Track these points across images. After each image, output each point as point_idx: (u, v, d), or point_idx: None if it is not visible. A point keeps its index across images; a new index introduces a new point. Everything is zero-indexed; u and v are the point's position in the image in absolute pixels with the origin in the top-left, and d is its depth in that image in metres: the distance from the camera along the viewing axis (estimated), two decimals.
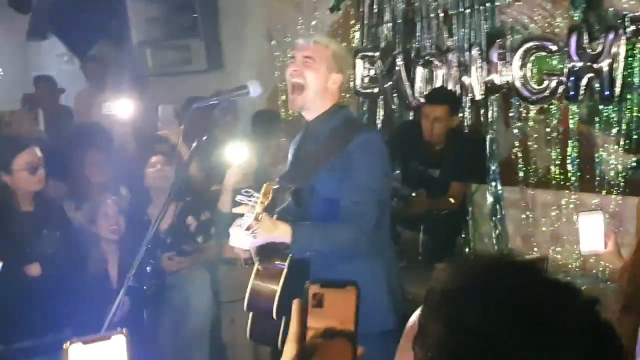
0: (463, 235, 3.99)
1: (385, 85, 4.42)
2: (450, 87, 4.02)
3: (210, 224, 3.54)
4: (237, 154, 3.18)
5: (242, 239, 2.20)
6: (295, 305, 0.84)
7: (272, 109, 4.75)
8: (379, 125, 4.46)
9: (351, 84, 4.54)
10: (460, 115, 3.95)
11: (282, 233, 2.21)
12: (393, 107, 4.43)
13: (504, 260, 0.79)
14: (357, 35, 4.56)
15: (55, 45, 6.52)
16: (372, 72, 4.49)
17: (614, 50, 3.34)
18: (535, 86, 3.68)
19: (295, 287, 2.23)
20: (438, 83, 4.09)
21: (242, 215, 2.24)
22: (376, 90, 4.47)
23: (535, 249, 3.76)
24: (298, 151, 2.58)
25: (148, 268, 2.92)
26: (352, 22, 4.63)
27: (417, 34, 4.23)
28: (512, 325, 0.68)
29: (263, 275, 2.33)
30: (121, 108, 4.05)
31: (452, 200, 3.70)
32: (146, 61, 5.84)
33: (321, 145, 2.44)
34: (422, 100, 4.04)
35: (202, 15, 5.52)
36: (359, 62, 4.49)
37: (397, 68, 4.32)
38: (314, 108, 2.45)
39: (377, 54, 4.43)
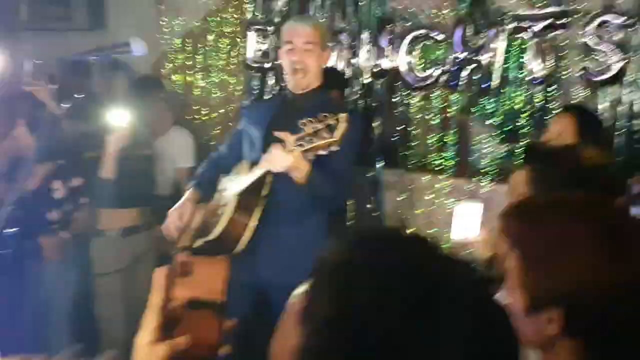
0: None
1: (277, 61, 4.37)
2: (339, 68, 4.04)
3: (80, 191, 3.34)
4: (120, 118, 3.03)
5: (281, 158, 2.26)
6: (158, 273, 0.79)
7: (155, 76, 4.57)
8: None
9: (241, 57, 4.46)
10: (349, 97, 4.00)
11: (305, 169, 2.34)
12: (282, 83, 4.40)
13: (392, 235, 0.78)
14: (250, 7, 4.46)
15: None
16: (264, 47, 4.43)
17: (494, 45, 3.53)
18: (419, 74, 3.80)
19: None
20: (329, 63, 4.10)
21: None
22: (267, 65, 4.42)
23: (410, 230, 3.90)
24: (276, 122, 2.61)
25: (9, 230, 2.71)
26: None
27: (311, 12, 4.21)
28: (399, 303, 0.66)
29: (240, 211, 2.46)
30: None
31: None
32: (20, 14, 5.40)
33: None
34: None
35: None
36: (251, 35, 4.41)
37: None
38: (307, 84, 2.64)
39: (271, 28, 4.37)
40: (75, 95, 2.18)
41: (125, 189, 3.36)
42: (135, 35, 2.37)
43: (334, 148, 2.14)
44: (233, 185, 2.64)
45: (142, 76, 4.29)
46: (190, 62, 4.73)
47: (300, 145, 2.16)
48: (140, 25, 4.81)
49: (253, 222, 2.48)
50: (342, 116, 2.15)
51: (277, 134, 2.29)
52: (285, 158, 2.26)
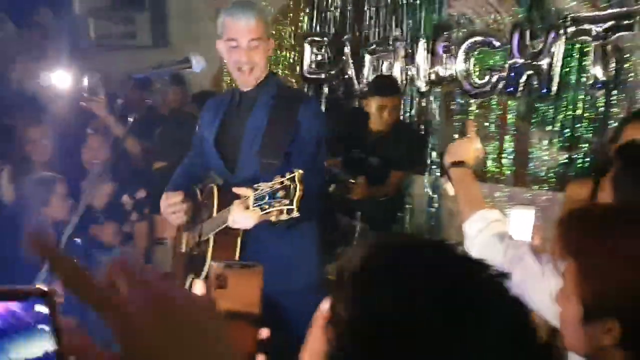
0: (399, 225, 4.04)
1: (332, 72, 4.41)
2: (395, 75, 4.04)
3: (145, 202, 3.48)
4: (185, 131, 3.08)
5: (245, 220, 2.09)
6: (197, 285, 0.83)
7: (214, 90, 4.69)
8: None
9: (298, 68, 4.52)
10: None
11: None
12: (338, 93, 4.43)
13: (412, 241, 0.79)
14: (306, 19, 4.53)
15: None
16: (319, 58, 4.48)
17: (553, 49, 3.43)
18: (477, 80, 3.75)
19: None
20: (384, 72, 4.11)
21: None
22: (322, 76, 4.46)
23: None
24: (230, 122, 2.46)
25: (78, 240, 2.83)
26: (302, 6, 4.59)
27: (366, 22, 4.23)
28: (422, 305, 0.67)
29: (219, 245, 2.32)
30: (59, 80, 3.92)
31: (390, 188, 3.74)
32: (88, 32, 5.66)
33: (264, 116, 2.38)
34: (372, 89, 4.04)
35: None
36: (307, 47, 4.47)
37: (344, 55, 4.31)
38: (259, 78, 2.39)
39: (326, 39, 4.41)
40: (138, 111, 2.25)
41: None
42: (196, 51, 2.42)
43: (293, 214, 1.93)
44: (206, 225, 2.45)
45: (201, 91, 4.41)
46: None
47: (260, 207, 1.98)
48: (201, 41, 4.96)
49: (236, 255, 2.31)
50: (297, 176, 1.93)
51: (235, 190, 2.10)
52: (248, 219, 2.07)
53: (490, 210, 1.68)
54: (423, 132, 3.99)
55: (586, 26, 3.36)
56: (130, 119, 2.79)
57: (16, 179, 3.55)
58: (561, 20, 3.43)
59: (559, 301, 1.17)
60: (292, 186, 1.92)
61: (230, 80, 4.85)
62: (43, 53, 5.44)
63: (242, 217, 2.07)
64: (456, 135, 3.87)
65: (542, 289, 1.37)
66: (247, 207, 2.02)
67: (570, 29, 3.40)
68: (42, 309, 0.54)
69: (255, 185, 2.00)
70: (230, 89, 2.55)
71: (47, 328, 0.54)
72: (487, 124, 3.77)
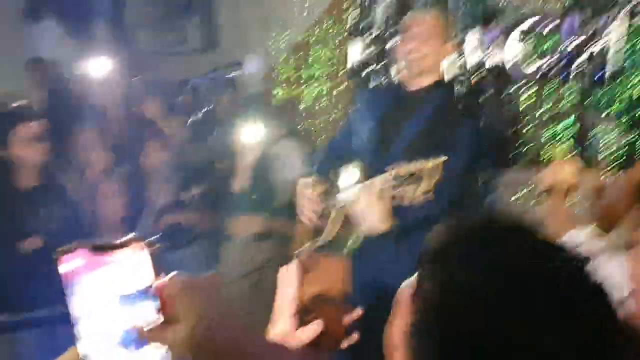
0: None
1: (378, 67, 4.42)
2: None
3: (204, 197, 3.58)
4: (249, 134, 3.21)
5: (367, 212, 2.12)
6: (288, 269, 0.87)
7: (264, 91, 4.76)
8: None
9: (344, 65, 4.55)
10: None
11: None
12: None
13: (494, 221, 0.81)
14: (352, 15, 4.55)
15: (50, 26, 6.48)
16: (365, 54, 4.49)
17: (608, 30, 3.36)
18: (529, 67, 3.70)
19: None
20: None
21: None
22: (369, 70, 4.48)
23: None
24: (387, 120, 2.48)
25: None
26: (346, 2, 4.62)
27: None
28: (501, 284, 0.69)
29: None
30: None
31: None
32: (141, 41, 5.82)
33: (426, 122, 2.40)
34: None
35: None
36: (353, 44, 4.49)
37: (389, 49, 4.32)
38: (424, 78, 2.42)
39: (371, 35, 4.43)
40: (196, 114, 2.32)
41: (252, 198, 3.57)
42: (245, 53, 2.49)
43: (429, 195, 1.95)
44: (343, 191, 2.51)
45: (253, 92, 4.50)
46: (297, 74, 4.89)
47: (390, 188, 2.01)
48: (249, 43, 5.05)
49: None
50: (437, 164, 1.94)
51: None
52: (371, 212, 2.08)
53: (576, 232, 1.67)
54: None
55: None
56: (188, 122, 2.88)
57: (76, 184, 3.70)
58: (613, 4, 3.35)
59: (636, 263, 1.17)
60: (426, 172, 1.94)
61: (282, 84, 4.92)
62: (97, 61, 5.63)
63: (371, 198, 2.07)
64: (509, 124, 3.84)
65: (612, 266, 1.37)
66: (378, 188, 2.03)
67: (627, 8, 3.32)
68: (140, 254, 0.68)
69: (394, 165, 2.03)
70: (393, 85, 2.64)
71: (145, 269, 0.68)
72: (541, 110, 3.72)
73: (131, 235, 0.70)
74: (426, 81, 2.44)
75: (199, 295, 0.70)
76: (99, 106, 4.78)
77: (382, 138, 2.48)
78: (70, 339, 0.72)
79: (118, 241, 0.68)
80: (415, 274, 0.79)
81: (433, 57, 2.41)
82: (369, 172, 2.35)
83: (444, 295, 0.72)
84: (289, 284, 0.86)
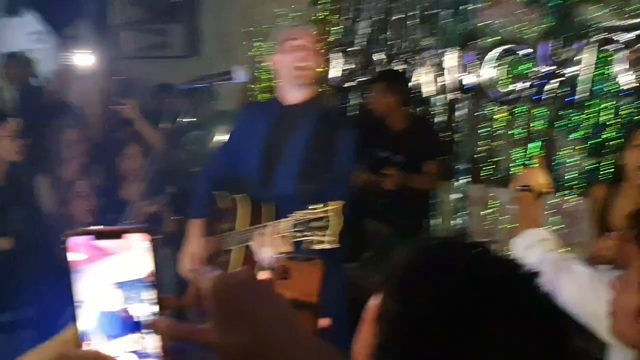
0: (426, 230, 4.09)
1: (360, 80, 4.49)
2: (426, 85, 4.11)
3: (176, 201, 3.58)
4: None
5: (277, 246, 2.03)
6: (262, 275, 0.90)
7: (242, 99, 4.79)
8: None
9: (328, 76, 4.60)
10: (433, 112, 4.08)
11: None
12: (364, 102, 4.51)
13: (454, 242, 0.86)
14: (335, 29, 4.61)
15: (26, 22, 6.43)
16: (347, 67, 4.56)
17: (580, 57, 3.48)
18: (503, 88, 3.81)
19: None
20: (413, 81, 4.18)
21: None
22: (352, 84, 4.54)
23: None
24: (272, 136, 2.43)
25: None
26: (332, 15, 4.68)
27: (395, 31, 4.30)
28: (460, 303, 0.72)
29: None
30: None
31: (427, 178, 3.77)
32: (123, 43, 5.81)
33: (306, 136, 2.37)
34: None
35: (182, 0, 5.53)
36: (336, 56, 4.55)
37: (373, 65, 4.40)
38: (299, 93, 2.38)
39: (355, 48, 4.50)
40: (178, 119, 2.34)
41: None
42: (228, 60, 2.51)
43: (333, 245, 1.90)
44: (230, 237, 2.39)
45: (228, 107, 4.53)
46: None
47: (294, 235, 1.95)
48: (231, 51, 5.08)
49: None
50: (335, 209, 1.89)
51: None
52: (276, 246, 2.00)
53: (539, 229, 1.74)
54: (451, 139, 4.05)
55: (614, 35, 3.40)
56: (169, 126, 2.88)
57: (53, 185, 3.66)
58: (588, 29, 3.47)
59: (616, 287, 1.22)
60: (331, 218, 1.89)
61: (263, 92, 4.95)
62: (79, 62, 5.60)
63: (273, 242, 2.00)
64: (482, 143, 3.94)
65: (596, 297, 1.42)
66: (280, 234, 1.97)
67: (597, 38, 3.45)
68: (142, 243, 0.69)
69: (292, 213, 1.96)
70: (270, 99, 2.54)
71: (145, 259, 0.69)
72: (513, 130, 3.82)
73: (133, 224, 0.72)
74: (307, 96, 2.38)
75: (252, 297, 0.68)
76: (75, 105, 4.75)
77: (266, 162, 2.40)
78: (30, 344, 0.75)
79: (121, 228, 0.70)
80: (380, 294, 0.81)
81: (315, 70, 2.36)
82: (253, 199, 2.30)
83: (407, 317, 0.74)
84: None
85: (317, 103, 2.44)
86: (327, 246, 1.89)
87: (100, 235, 0.70)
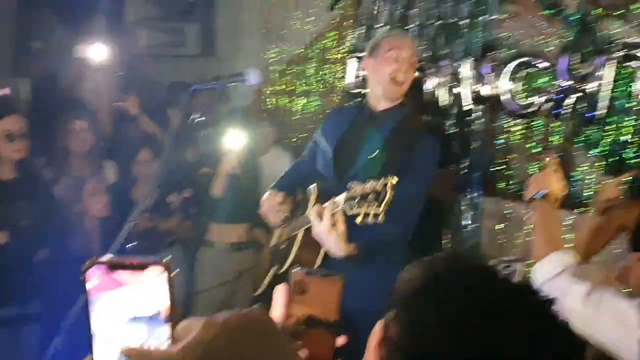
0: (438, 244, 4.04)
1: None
2: (441, 95, 4.06)
3: (191, 202, 3.57)
4: (235, 140, 3.23)
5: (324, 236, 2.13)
6: (280, 289, 0.86)
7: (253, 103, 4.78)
8: None
9: (343, 82, 4.57)
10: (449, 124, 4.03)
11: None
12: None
13: (458, 265, 0.83)
14: (352, 36, 4.58)
15: (44, 17, 6.43)
16: (362, 73, 4.52)
17: (600, 73, 3.42)
18: (521, 101, 3.75)
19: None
20: (429, 90, 4.14)
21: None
22: (366, 91, 4.50)
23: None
24: (348, 137, 2.52)
25: (130, 245, 2.93)
26: (349, 21, 4.66)
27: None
28: (465, 330, 0.70)
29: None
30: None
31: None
32: (139, 41, 5.81)
33: (386, 139, 2.43)
34: None
35: (199, 0, 5.53)
36: (351, 62, 4.52)
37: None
38: (396, 101, 2.47)
39: None
40: (191, 119, 2.33)
41: (235, 206, 3.56)
42: (242, 61, 2.51)
43: (379, 219, 1.96)
44: (294, 222, 2.54)
45: (240, 104, 4.51)
46: (292, 87, 4.91)
47: (350, 206, 2.02)
48: (247, 52, 5.07)
49: (319, 259, 2.32)
50: (390, 183, 1.94)
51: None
52: (328, 238, 2.11)
53: (566, 252, 1.68)
54: (465, 150, 4.01)
55: (636, 51, 3.34)
56: (181, 126, 2.87)
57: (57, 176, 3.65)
58: (609, 45, 3.42)
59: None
60: (383, 192, 1.94)
61: (276, 95, 4.93)
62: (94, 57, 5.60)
63: (323, 234, 2.10)
64: (497, 155, 3.89)
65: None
66: (339, 208, 2.05)
67: (619, 54, 3.39)
68: (159, 277, 0.67)
69: (349, 184, 2.05)
70: (358, 104, 2.58)
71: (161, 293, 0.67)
72: (530, 144, 3.77)
73: (151, 257, 0.69)
74: (393, 103, 2.51)
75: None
76: (88, 100, 4.74)
77: (340, 159, 2.51)
78: (32, 340, 0.73)
79: (137, 261, 0.68)
80: (384, 318, 0.80)
81: (409, 83, 2.50)
82: (328, 194, 2.33)
83: (406, 342, 0.73)
84: (277, 304, 0.85)
85: (400, 109, 2.52)
86: (378, 220, 1.94)
87: (119, 267, 0.68)
